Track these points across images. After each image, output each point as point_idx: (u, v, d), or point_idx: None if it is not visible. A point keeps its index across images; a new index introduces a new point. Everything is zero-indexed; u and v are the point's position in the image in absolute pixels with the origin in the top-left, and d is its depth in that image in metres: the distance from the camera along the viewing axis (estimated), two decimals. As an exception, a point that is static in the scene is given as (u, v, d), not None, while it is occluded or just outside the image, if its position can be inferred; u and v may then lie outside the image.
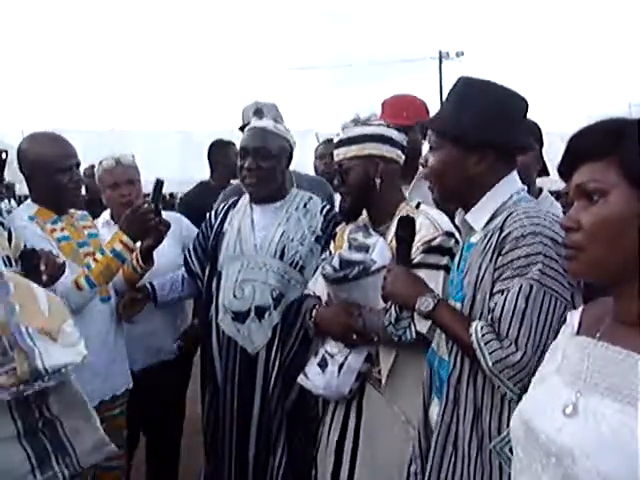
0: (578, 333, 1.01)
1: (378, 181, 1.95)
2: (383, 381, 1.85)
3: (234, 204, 2.41)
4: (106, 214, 2.64)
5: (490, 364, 1.31)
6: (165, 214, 2.42)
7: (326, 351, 1.95)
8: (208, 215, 2.45)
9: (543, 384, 1.02)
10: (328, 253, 2.11)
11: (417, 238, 1.80)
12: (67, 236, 2.12)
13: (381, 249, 1.89)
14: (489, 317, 1.37)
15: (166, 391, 2.55)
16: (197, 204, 3.35)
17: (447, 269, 1.75)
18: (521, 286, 1.32)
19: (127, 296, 2.31)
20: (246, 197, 2.39)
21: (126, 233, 2.07)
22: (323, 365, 1.93)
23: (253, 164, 2.23)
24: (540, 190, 2.32)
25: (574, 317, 1.05)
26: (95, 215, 2.61)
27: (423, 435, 1.62)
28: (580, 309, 1.06)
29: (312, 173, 3.74)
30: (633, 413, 0.83)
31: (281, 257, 2.22)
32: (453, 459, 1.45)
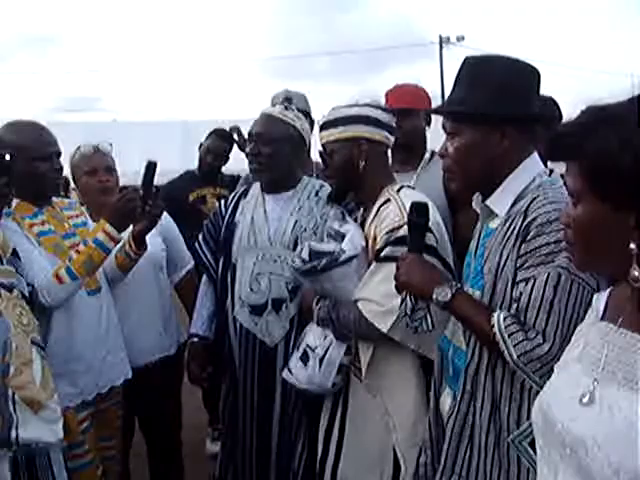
0: (603, 318, 0.99)
1: (362, 163, 1.89)
2: (363, 373, 1.83)
3: (245, 194, 2.39)
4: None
5: (515, 357, 1.28)
6: None
7: (307, 345, 1.93)
8: (217, 205, 2.43)
9: (564, 371, 1.01)
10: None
11: (383, 226, 1.78)
12: (49, 229, 2.06)
13: (352, 238, 1.85)
14: (514, 307, 1.33)
15: (159, 389, 2.48)
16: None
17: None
18: (549, 274, 1.28)
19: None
20: (257, 187, 2.36)
21: (110, 222, 1.99)
22: (305, 359, 1.92)
23: (255, 149, 2.22)
24: (551, 172, 2.28)
25: (600, 301, 1.02)
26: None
27: (434, 425, 1.59)
28: (607, 292, 1.03)
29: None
30: None
31: (294, 248, 2.18)
32: (469, 451, 1.43)
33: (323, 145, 1.95)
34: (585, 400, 0.89)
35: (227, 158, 3.78)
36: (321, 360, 1.87)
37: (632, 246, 0.85)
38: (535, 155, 1.48)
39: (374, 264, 1.79)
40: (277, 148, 2.20)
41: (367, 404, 1.85)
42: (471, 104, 1.45)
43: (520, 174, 1.44)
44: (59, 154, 2.09)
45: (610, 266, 0.92)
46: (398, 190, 1.88)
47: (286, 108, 2.29)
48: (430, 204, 1.80)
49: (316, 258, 1.86)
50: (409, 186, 1.93)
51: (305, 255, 1.92)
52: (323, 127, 1.95)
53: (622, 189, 0.85)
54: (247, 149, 2.27)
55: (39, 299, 1.91)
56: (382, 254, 1.75)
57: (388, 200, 1.84)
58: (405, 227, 1.69)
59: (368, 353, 1.81)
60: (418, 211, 1.58)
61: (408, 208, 1.69)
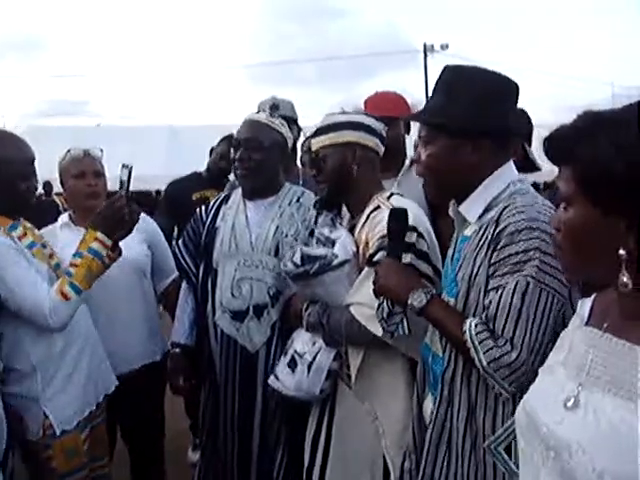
0: (587, 323, 0.99)
1: (355, 168, 1.90)
2: (352, 378, 1.83)
3: (226, 199, 2.39)
4: (64, 216, 2.48)
5: (484, 363, 1.28)
6: None
7: (295, 351, 1.92)
8: (198, 210, 2.42)
9: (549, 375, 1.01)
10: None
11: (375, 231, 1.78)
12: (33, 242, 2.02)
13: (344, 243, 1.85)
14: (484, 315, 1.33)
15: (143, 396, 2.45)
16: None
17: (411, 267, 1.70)
18: (517, 283, 1.28)
19: None
20: (238, 193, 2.37)
21: (101, 229, 1.96)
22: (292, 365, 1.91)
23: (244, 155, 2.22)
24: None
25: (585, 306, 1.03)
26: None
27: (417, 431, 1.60)
28: (592, 297, 1.04)
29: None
30: (633, 409, 0.81)
31: (276, 254, 2.20)
32: (447, 457, 1.43)
33: (315, 151, 1.97)
34: (570, 404, 0.89)
35: None
36: (309, 366, 1.87)
37: (621, 252, 0.85)
38: (510, 163, 1.49)
39: (366, 269, 1.79)
40: (266, 154, 2.22)
41: (355, 410, 1.85)
42: (447, 115, 1.45)
43: (493, 182, 1.45)
44: (35, 173, 2.05)
45: (599, 271, 0.92)
46: (388, 197, 1.89)
47: (271, 115, 2.30)
48: (420, 211, 1.83)
49: (308, 262, 1.86)
50: (399, 193, 1.95)
51: (297, 259, 1.92)
52: (316, 133, 1.97)
53: (613, 194, 0.85)
54: (233, 155, 2.26)
55: (40, 322, 1.86)
56: (375, 259, 1.75)
57: (378, 207, 1.85)
58: None
59: (358, 358, 1.81)
60: (396, 217, 1.59)
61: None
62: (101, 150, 2.48)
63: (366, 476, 1.84)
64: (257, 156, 2.21)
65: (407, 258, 1.71)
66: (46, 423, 1.94)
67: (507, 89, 1.48)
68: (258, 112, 2.64)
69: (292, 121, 2.75)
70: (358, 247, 1.86)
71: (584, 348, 0.94)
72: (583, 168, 0.88)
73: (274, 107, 2.45)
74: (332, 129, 1.93)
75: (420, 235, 1.74)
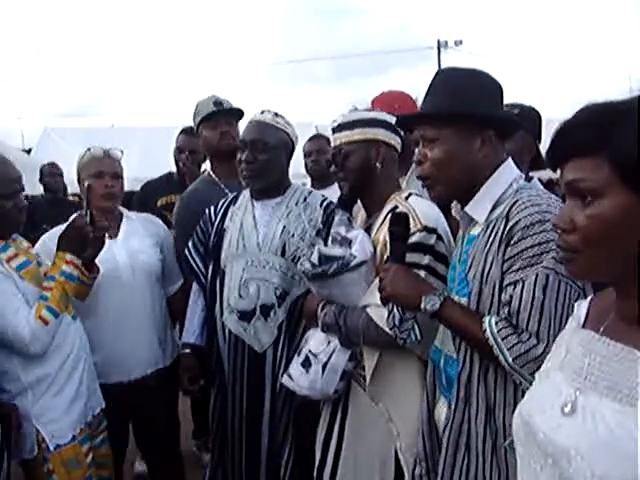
0: (584, 326, 0.97)
1: (379, 166, 1.89)
2: (367, 380, 1.81)
3: (234, 200, 2.39)
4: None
5: (510, 360, 1.27)
6: (143, 216, 2.51)
7: (309, 351, 1.91)
8: (207, 211, 2.42)
9: (546, 380, 0.99)
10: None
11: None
12: (25, 260, 2.03)
13: (362, 243, 1.83)
14: (505, 310, 1.32)
15: (155, 403, 2.45)
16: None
17: (429, 269, 1.70)
18: (537, 276, 1.28)
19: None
20: (246, 194, 2.36)
21: (69, 250, 2.00)
22: (306, 365, 1.89)
23: (250, 156, 2.21)
24: (530, 178, 2.28)
25: (582, 308, 1.00)
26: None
27: (427, 436, 1.58)
28: (588, 299, 1.01)
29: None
30: (632, 414, 0.79)
31: (282, 254, 2.20)
32: (466, 459, 1.42)
33: (338, 146, 1.93)
34: (567, 410, 0.87)
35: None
36: (324, 366, 1.86)
37: None
38: (510, 161, 1.49)
39: None
40: (273, 155, 2.22)
41: (368, 411, 1.84)
42: (453, 107, 1.45)
43: (497, 180, 1.45)
44: (22, 189, 2.05)
45: (618, 269, 0.86)
46: (406, 197, 1.87)
47: (276, 115, 2.29)
48: (439, 212, 1.81)
49: (326, 262, 1.85)
50: (417, 194, 1.91)
51: (315, 259, 1.90)
52: (338, 129, 1.94)
53: None
54: (239, 156, 2.25)
55: (20, 348, 1.89)
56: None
57: (396, 207, 1.83)
58: (419, 234, 1.71)
59: (373, 360, 1.80)
60: (398, 221, 1.58)
61: (422, 215, 1.73)
62: (121, 151, 2.50)
63: (376, 477, 1.83)
64: (263, 157, 2.21)
65: (425, 260, 1.71)
66: (39, 438, 1.95)
67: (499, 87, 1.51)
68: (200, 112, 2.73)
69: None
70: (375, 247, 1.84)
71: (581, 352, 0.92)
72: (621, 153, 0.82)
73: (217, 103, 2.66)
74: (356, 125, 1.90)
75: (439, 237, 1.74)
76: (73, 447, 2.00)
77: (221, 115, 2.72)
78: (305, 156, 3.81)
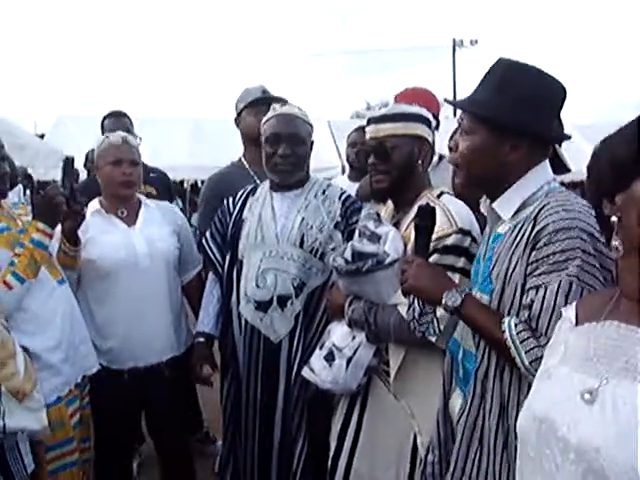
0: (577, 325, 1.00)
1: (420, 163, 1.87)
2: (392, 376, 1.82)
3: (253, 191, 2.39)
4: (95, 202, 2.45)
5: (527, 363, 1.27)
6: (157, 203, 2.53)
7: (333, 344, 1.91)
8: (225, 202, 2.42)
9: (550, 379, 1.01)
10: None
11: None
12: (6, 226, 2.03)
13: (394, 240, 1.82)
14: (526, 314, 1.32)
15: (169, 390, 2.45)
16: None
17: (463, 272, 1.69)
18: (560, 282, 1.28)
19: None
20: (265, 185, 2.36)
21: (41, 220, 2.01)
22: (330, 359, 1.89)
23: (288, 150, 2.20)
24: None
25: (569, 312, 1.05)
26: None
27: (442, 425, 1.60)
28: (574, 304, 1.06)
29: (326, 160, 3.71)
30: None
31: (301, 245, 2.20)
32: (479, 454, 1.43)
33: (380, 138, 1.87)
34: (587, 397, 0.89)
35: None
36: (349, 361, 1.85)
37: (613, 218, 0.89)
38: (545, 163, 1.48)
39: None
40: (307, 148, 2.26)
41: (388, 405, 1.85)
42: (493, 109, 1.43)
43: (528, 181, 1.44)
44: (3, 158, 2.06)
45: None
46: (438, 196, 1.86)
47: (299, 107, 2.30)
48: (471, 213, 1.80)
49: (359, 259, 1.83)
50: (449, 193, 1.90)
51: (348, 255, 1.88)
52: (381, 120, 1.89)
53: None
54: (272, 149, 2.22)
55: None
56: (431, 260, 1.67)
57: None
58: (455, 236, 1.70)
59: (400, 357, 1.80)
60: (425, 214, 1.57)
61: (457, 216, 1.72)
62: (140, 138, 2.49)
63: (392, 470, 1.84)
64: (300, 151, 2.23)
65: (460, 262, 1.71)
66: None
67: (557, 94, 1.47)
68: (240, 101, 2.81)
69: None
70: (406, 245, 1.82)
71: (584, 343, 0.95)
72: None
73: (264, 92, 2.75)
74: (401, 118, 1.87)
75: (473, 239, 1.73)
76: (59, 408, 2.00)
77: (265, 103, 2.72)
78: (349, 146, 3.80)
